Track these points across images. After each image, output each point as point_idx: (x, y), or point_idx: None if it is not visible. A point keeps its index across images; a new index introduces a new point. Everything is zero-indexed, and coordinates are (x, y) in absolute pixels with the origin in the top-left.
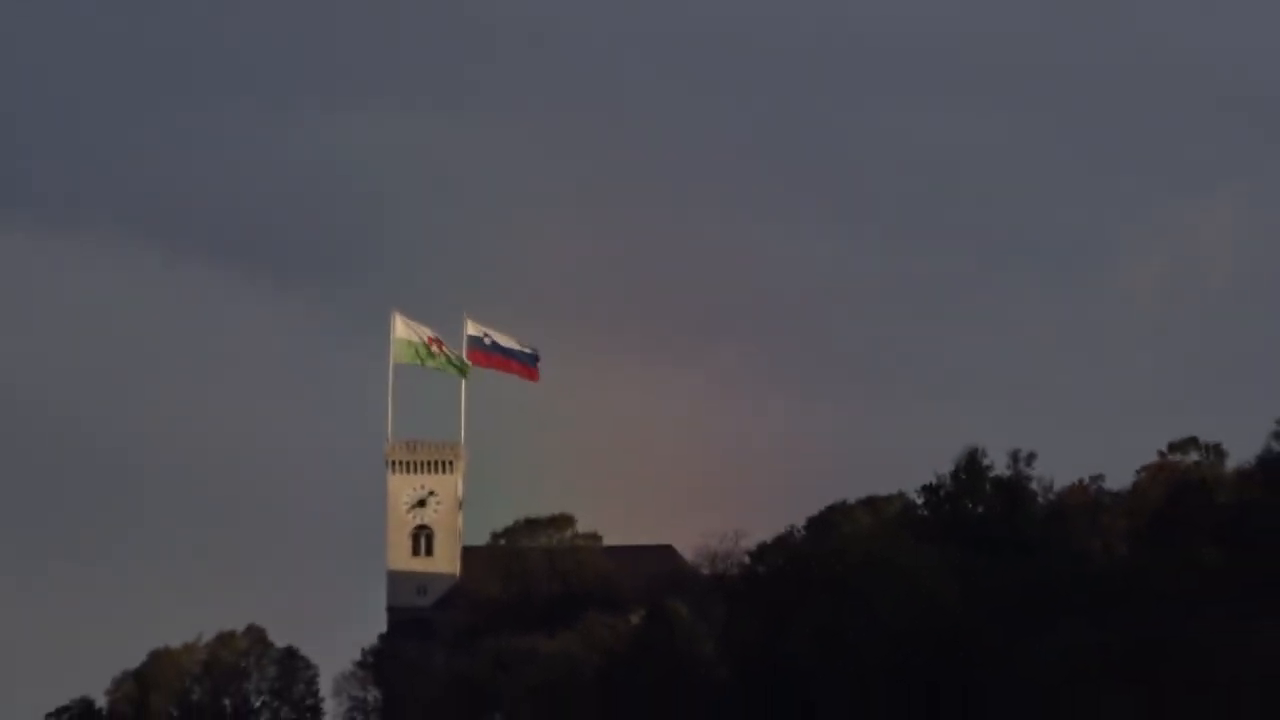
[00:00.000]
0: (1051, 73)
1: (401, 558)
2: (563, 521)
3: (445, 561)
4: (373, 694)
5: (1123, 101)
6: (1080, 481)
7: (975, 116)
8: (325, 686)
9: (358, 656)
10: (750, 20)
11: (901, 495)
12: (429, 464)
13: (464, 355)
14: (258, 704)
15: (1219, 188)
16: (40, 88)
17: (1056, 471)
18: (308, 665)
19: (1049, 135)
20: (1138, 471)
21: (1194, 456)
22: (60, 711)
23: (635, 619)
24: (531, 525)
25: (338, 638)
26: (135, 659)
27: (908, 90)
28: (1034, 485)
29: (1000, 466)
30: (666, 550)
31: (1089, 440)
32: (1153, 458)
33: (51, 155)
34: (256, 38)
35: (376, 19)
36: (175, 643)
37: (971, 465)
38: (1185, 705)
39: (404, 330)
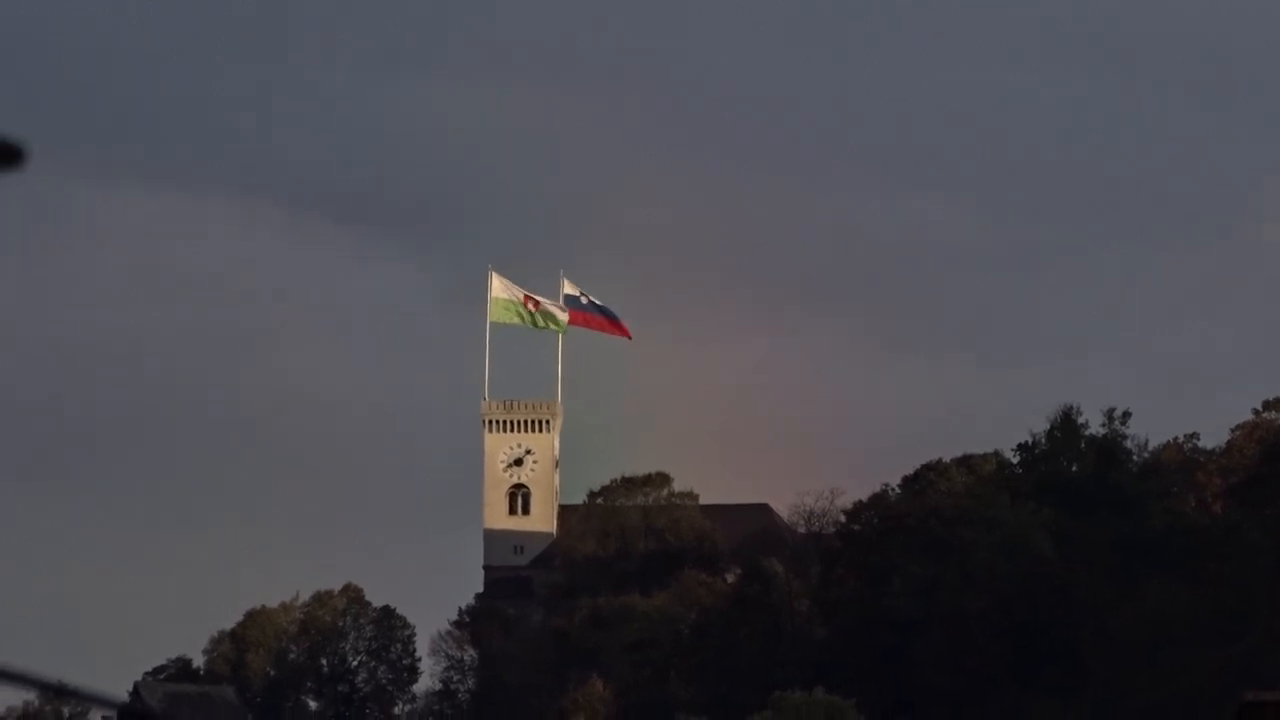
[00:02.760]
0: (1163, 34)
1: (498, 517)
2: (659, 480)
3: (542, 520)
4: (469, 653)
5: (1236, 64)
6: (1175, 440)
7: (1085, 79)
8: (422, 646)
9: (454, 616)
10: None
11: (997, 454)
12: (526, 423)
13: (560, 313)
14: (355, 663)
15: None
16: (160, 53)
17: (1151, 430)
18: (405, 625)
19: (1159, 98)
20: (1232, 430)
21: None
22: (158, 671)
23: (731, 577)
24: (628, 484)
25: (435, 597)
26: (232, 619)
27: (1014, 53)
28: (1129, 444)
29: (1095, 425)
30: (762, 509)
31: (1185, 399)
32: (1247, 416)
33: (167, 119)
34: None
35: None
36: (272, 602)
37: (1066, 424)
38: (1278, 665)
39: (501, 289)
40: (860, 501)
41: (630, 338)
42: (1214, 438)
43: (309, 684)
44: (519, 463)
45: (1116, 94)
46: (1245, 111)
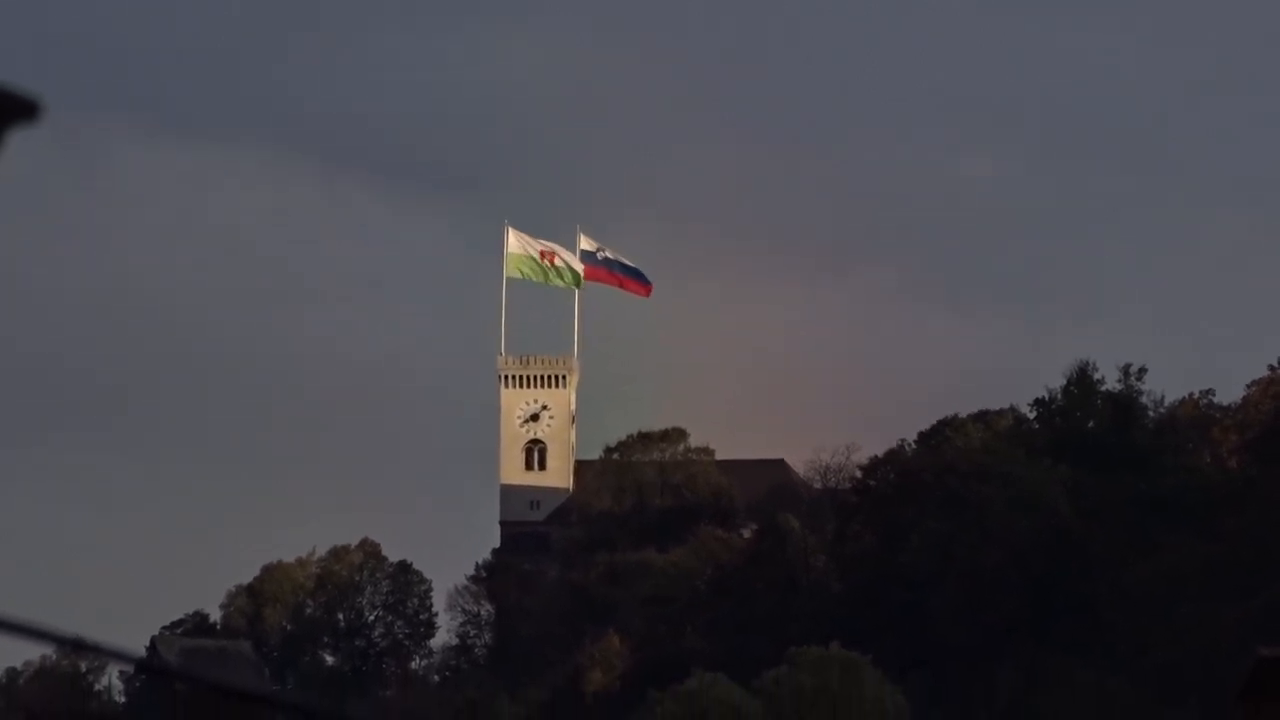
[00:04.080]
0: None
1: (514, 472)
2: (675, 435)
3: (558, 476)
4: (486, 608)
5: None
6: (1191, 396)
7: (1133, 38)
8: (439, 601)
9: (471, 571)
10: None
11: (1013, 410)
12: (542, 378)
13: (577, 268)
14: (371, 618)
15: None
16: (194, 10)
17: (1168, 386)
18: (421, 580)
19: (1207, 60)
20: (1248, 386)
21: None
22: (175, 625)
23: (747, 533)
24: (644, 439)
25: (451, 552)
26: (249, 573)
27: (1061, 6)
28: (1144, 400)
29: (1111, 381)
30: (778, 464)
31: (1202, 355)
32: (1263, 372)
33: (200, 76)
34: None
35: None
36: (289, 557)
37: (1083, 380)
38: None
39: (517, 244)
40: (876, 457)
41: (649, 294)
42: (1230, 393)
43: (325, 639)
44: (535, 418)
45: (1162, 51)
46: None
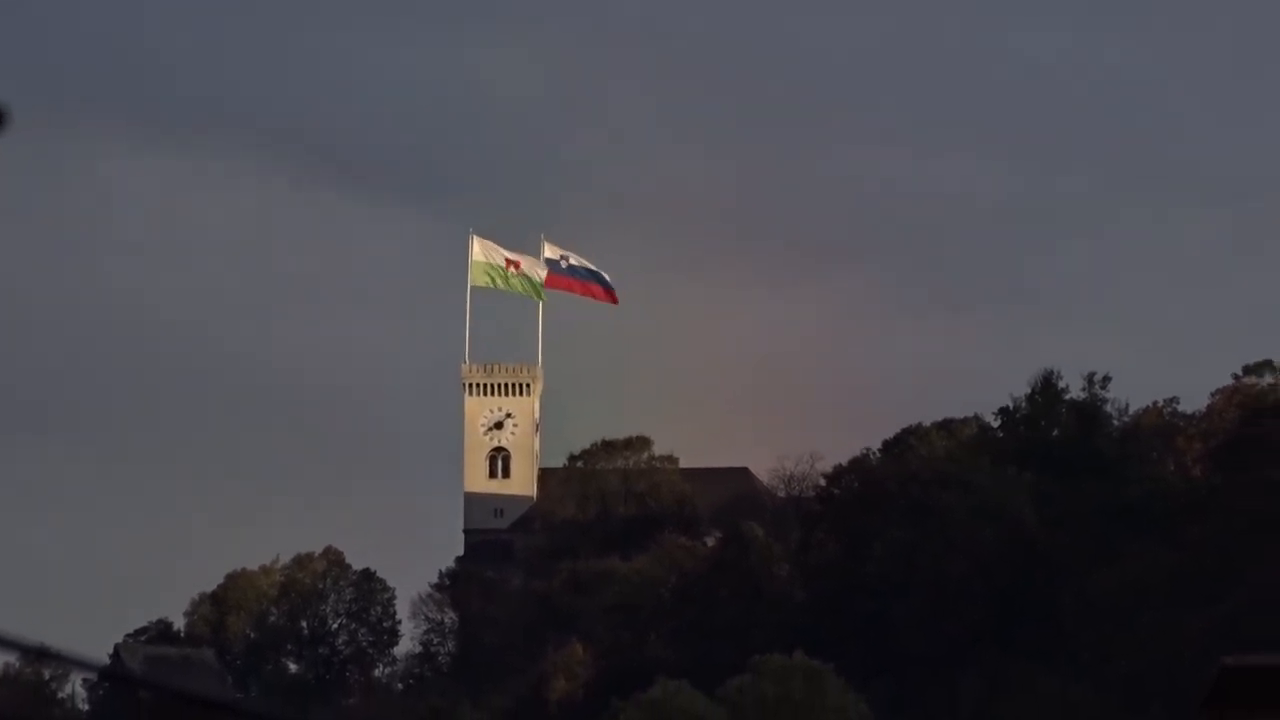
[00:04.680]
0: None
1: (478, 480)
2: (639, 444)
3: (522, 484)
4: (449, 616)
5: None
6: (1155, 404)
7: (1105, 44)
8: (402, 609)
9: (435, 579)
10: None
11: (977, 418)
12: (506, 386)
13: (541, 277)
14: (335, 626)
15: None
16: (170, 14)
17: (1132, 394)
18: (385, 588)
19: (1179, 66)
20: (1212, 394)
21: (1268, 379)
22: (139, 633)
23: (711, 541)
24: (608, 447)
25: (415, 560)
26: (213, 581)
27: (1038, 13)
28: (1109, 408)
29: (1075, 390)
30: (742, 472)
31: (1166, 363)
32: (1227, 381)
33: (174, 83)
34: None
35: None
36: (252, 565)
37: (1047, 388)
38: (1259, 624)
39: (481, 252)
40: (840, 465)
41: (616, 302)
42: (1194, 402)
43: (289, 646)
44: (499, 426)
45: (1133, 57)
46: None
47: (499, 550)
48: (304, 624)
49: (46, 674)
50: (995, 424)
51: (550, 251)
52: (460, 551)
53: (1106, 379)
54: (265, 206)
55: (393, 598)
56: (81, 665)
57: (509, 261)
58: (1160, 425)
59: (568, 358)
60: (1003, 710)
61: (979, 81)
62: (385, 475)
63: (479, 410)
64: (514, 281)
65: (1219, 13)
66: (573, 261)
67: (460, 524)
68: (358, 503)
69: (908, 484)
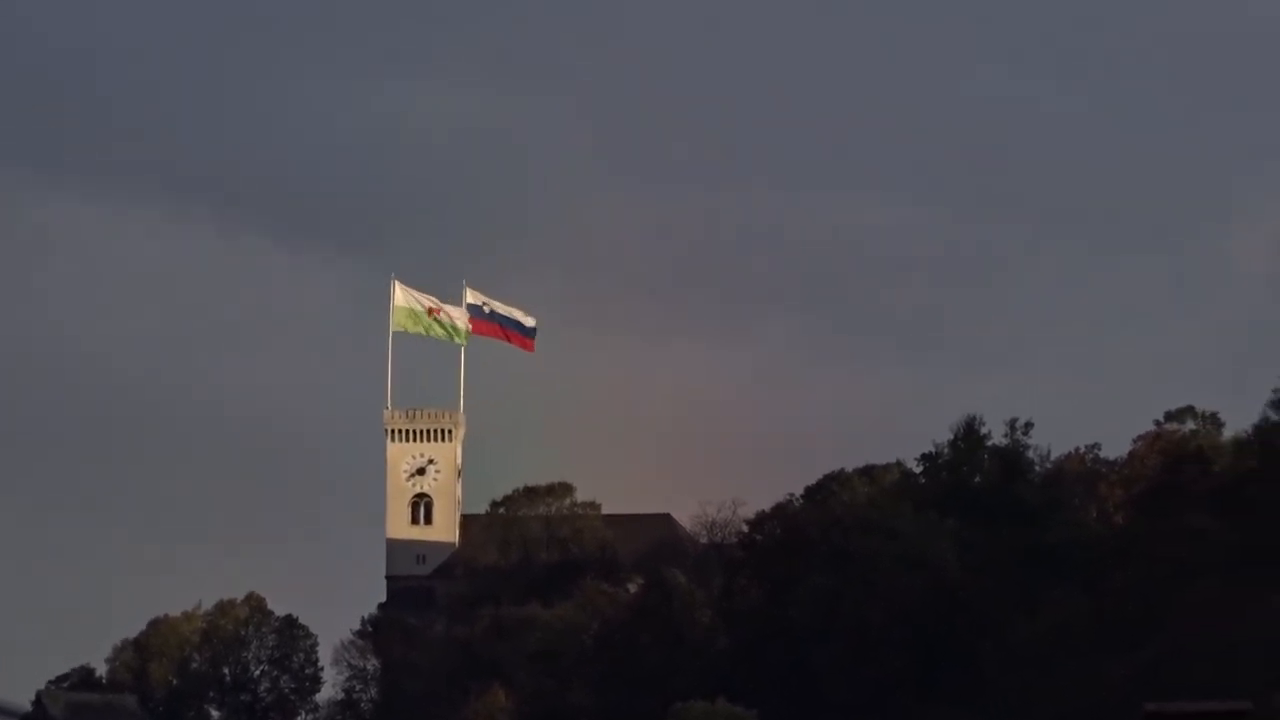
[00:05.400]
0: (1096, 36)
1: (401, 526)
2: (561, 490)
3: (444, 530)
4: (372, 663)
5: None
6: (1077, 450)
7: (1026, 82)
8: (325, 655)
9: (357, 625)
10: None
11: (900, 464)
12: (428, 432)
13: (463, 323)
14: (257, 673)
15: None
16: (96, 62)
17: (1054, 440)
18: (307, 634)
19: (1107, 110)
20: (1134, 440)
21: (1190, 426)
22: (60, 680)
23: (633, 587)
24: (530, 493)
25: (337, 606)
26: (135, 627)
27: (963, 53)
28: (1031, 454)
29: (998, 436)
30: (665, 519)
31: (1088, 409)
32: (1149, 427)
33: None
34: (261, 8)
35: None
36: (175, 611)
37: (969, 434)
38: (1180, 673)
39: (403, 298)
40: (763, 512)
41: (532, 350)
42: (1116, 448)
43: (211, 693)
44: (421, 472)
45: (1062, 96)
46: (1192, 120)
47: (421, 597)
48: (226, 671)
49: None
50: (918, 470)
51: (472, 297)
52: (382, 598)
53: (1029, 425)
54: (191, 252)
55: (315, 644)
56: (3, 712)
57: (430, 308)
58: (1082, 472)
59: (490, 403)
60: None
61: (904, 128)
62: (307, 521)
63: (401, 456)
64: (436, 327)
65: (1151, 60)
66: (495, 308)
67: (382, 570)
68: (280, 549)
69: (830, 530)
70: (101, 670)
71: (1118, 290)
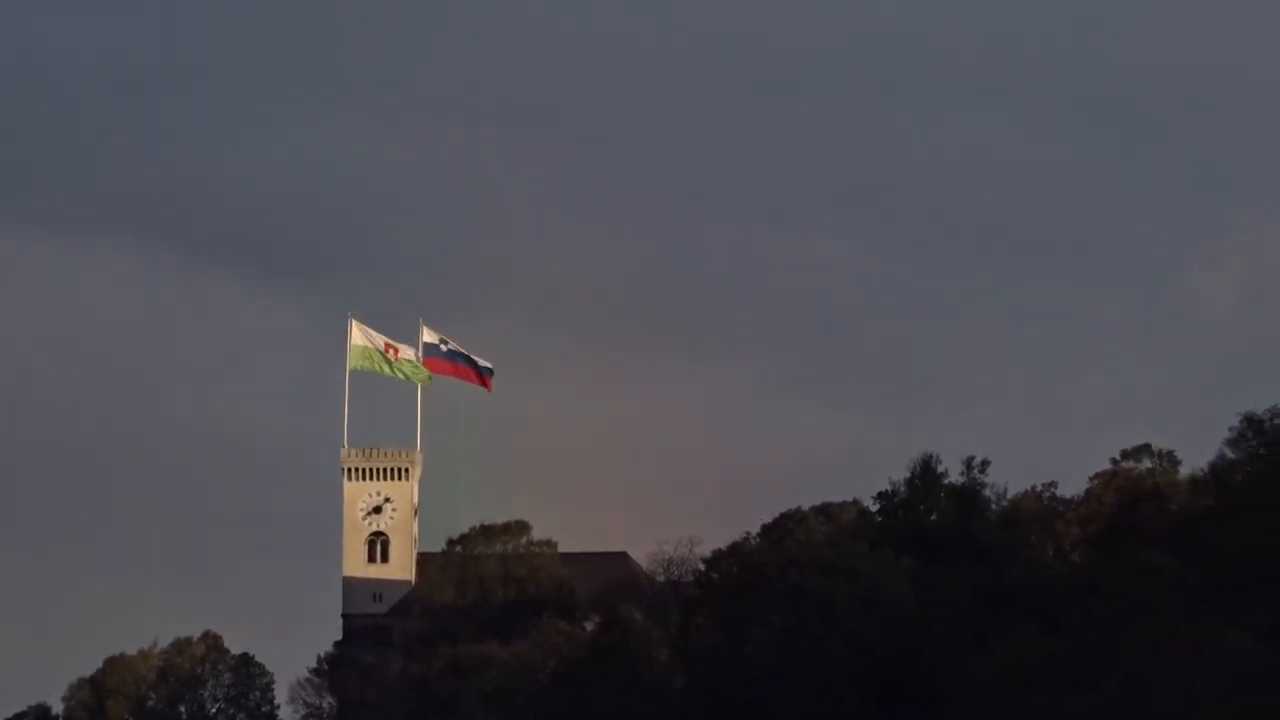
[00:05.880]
0: (1061, 82)
1: (357, 564)
2: (518, 528)
3: (401, 568)
4: (328, 701)
5: (1133, 115)
6: (1034, 489)
7: (989, 124)
8: (281, 693)
9: (313, 663)
10: (761, 25)
11: (856, 503)
12: (385, 471)
13: (420, 362)
14: (213, 710)
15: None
16: (61, 101)
17: (1011, 478)
18: (263, 672)
19: (1067, 148)
20: (1091, 478)
21: (1147, 464)
22: (17, 717)
23: (590, 625)
24: (487, 532)
25: (293, 644)
26: (91, 665)
27: (921, 96)
28: (988, 492)
29: (954, 474)
30: (621, 557)
31: (1045, 447)
32: (1105, 465)
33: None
34: (225, 41)
35: (346, 24)
36: (131, 649)
37: (926, 473)
38: (1138, 709)
39: (360, 337)
40: (719, 550)
41: (490, 389)
42: (1073, 486)
43: None
44: (378, 510)
45: (1025, 138)
46: (1150, 162)
47: (378, 635)
48: (182, 708)
49: None
50: (874, 509)
51: (429, 336)
52: (339, 636)
53: (985, 463)
54: (152, 290)
55: (271, 682)
56: None
57: (388, 346)
58: (1039, 510)
59: (447, 442)
60: None
61: (863, 169)
62: (264, 559)
63: (358, 495)
64: (394, 366)
65: (1115, 102)
66: (452, 346)
67: (339, 608)
68: (237, 587)
69: (787, 569)
70: (58, 708)
71: (1075, 330)
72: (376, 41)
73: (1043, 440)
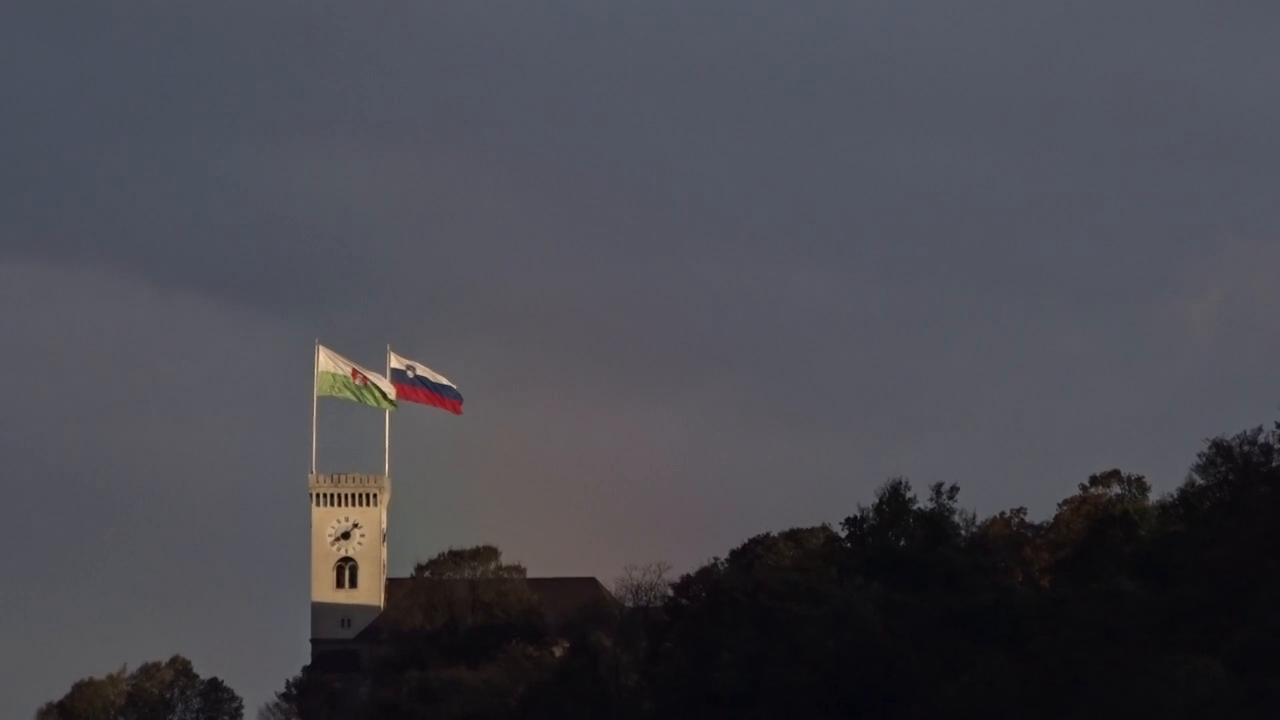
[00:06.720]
0: (1039, 108)
1: (326, 590)
2: (486, 554)
3: (369, 593)
4: None
5: (1109, 136)
6: (1002, 514)
7: (968, 152)
8: (250, 718)
9: (282, 688)
10: (739, 53)
11: (825, 528)
12: (353, 496)
13: (387, 388)
14: None
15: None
16: (34, 128)
17: (979, 504)
18: (232, 697)
19: (1037, 169)
20: (1059, 505)
21: (1116, 490)
22: None
23: (559, 650)
24: (455, 557)
25: (262, 669)
26: (60, 691)
27: (901, 122)
28: (956, 518)
29: (923, 500)
30: (590, 582)
31: (1014, 473)
32: (1074, 491)
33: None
34: (195, 71)
35: (314, 52)
36: (100, 674)
37: (895, 498)
38: None
39: (328, 362)
40: (688, 575)
41: (460, 412)
42: (1042, 512)
43: None
44: (346, 536)
45: (1002, 166)
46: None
47: (346, 660)
48: None
49: None
50: (843, 534)
51: (396, 362)
52: (307, 661)
53: (954, 489)
54: (123, 316)
55: (240, 707)
56: None
57: (355, 372)
58: (1008, 536)
59: (415, 468)
60: None
61: (839, 196)
62: (233, 584)
63: (326, 520)
64: (360, 392)
65: (1094, 132)
66: (419, 372)
67: (307, 633)
68: (205, 612)
69: (756, 594)
70: None
71: (1046, 357)
72: (344, 69)
73: (1012, 466)
